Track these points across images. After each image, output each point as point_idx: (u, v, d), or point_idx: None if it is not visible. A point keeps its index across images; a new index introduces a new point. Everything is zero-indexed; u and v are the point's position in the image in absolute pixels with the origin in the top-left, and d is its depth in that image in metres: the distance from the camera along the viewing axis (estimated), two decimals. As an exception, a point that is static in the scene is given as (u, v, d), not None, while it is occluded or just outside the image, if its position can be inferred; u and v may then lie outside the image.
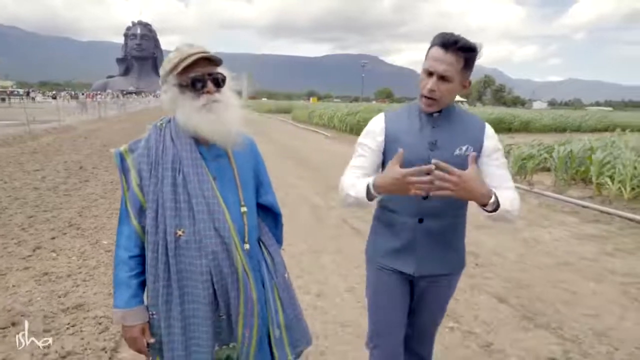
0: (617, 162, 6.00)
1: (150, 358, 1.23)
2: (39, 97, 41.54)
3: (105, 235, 4.05)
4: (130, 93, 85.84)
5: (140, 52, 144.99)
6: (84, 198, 5.41)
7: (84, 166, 7.60)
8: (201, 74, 1.12)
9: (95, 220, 4.50)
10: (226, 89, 1.18)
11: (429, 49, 1.28)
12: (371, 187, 1.24)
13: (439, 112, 1.34)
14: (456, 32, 1.25)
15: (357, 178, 1.34)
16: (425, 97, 1.28)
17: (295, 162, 9.03)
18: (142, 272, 1.19)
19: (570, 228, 4.79)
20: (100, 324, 2.49)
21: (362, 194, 1.26)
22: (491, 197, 1.19)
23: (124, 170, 1.19)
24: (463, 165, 1.22)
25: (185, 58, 1.10)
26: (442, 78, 1.24)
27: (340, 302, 2.90)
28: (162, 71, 1.17)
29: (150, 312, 1.20)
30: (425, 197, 1.29)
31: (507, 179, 1.34)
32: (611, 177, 5.96)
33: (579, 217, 5.24)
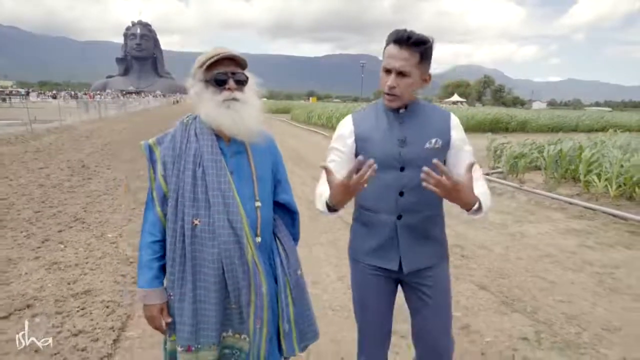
0: (604, 160, 6.19)
1: (167, 335, 1.32)
2: (32, 96, 41.56)
3: (110, 229, 4.24)
4: (130, 93, 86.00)
5: (140, 52, 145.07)
6: (88, 195, 5.60)
7: (87, 164, 7.78)
8: (224, 72, 1.21)
9: (100, 215, 4.69)
10: (248, 90, 1.26)
11: (385, 47, 1.31)
12: (330, 203, 1.26)
13: (405, 108, 1.36)
14: (410, 30, 1.27)
15: (326, 186, 1.31)
16: (387, 94, 1.32)
17: (293, 161, 9.22)
18: (164, 256, 1.28)
19: (555, 223, 4.98)
20: (107, 307, 2.68)
21: (324, 207, 1.29)
22: (475, 204, 1.21)
23: (151, 161, 1.28)
24: (434, 157, 1.23)
25: (212, 56, 1.20)
26: (400, 74, 1.27)
27: (331, 289, 3.10)
28: (192, 68, 1.26)
29: (168, 294, 1.29)
30: (401, 194, 1.34)
31: (475, 168, 1.29)
32: (598, 175, 6.15)
33: (565, 213, 5.43)
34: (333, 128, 18.96)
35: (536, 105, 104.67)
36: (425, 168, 1.14)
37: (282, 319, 1.32)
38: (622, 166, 5.84)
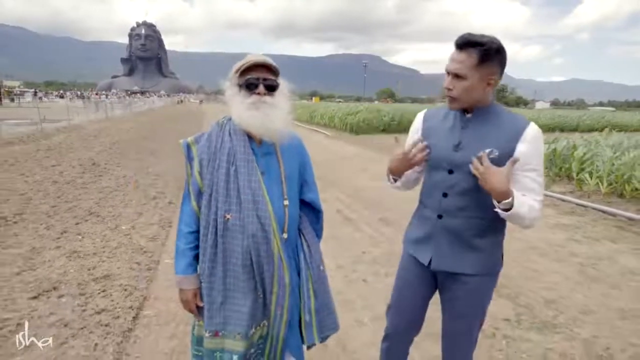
0: (596, 159, 6.40)
1: (196, 320, 1.43)
2: (27, 96, 41.92)
3: (123, 222, 4.51)
4: (135, 93, 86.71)
5: (145, 53, 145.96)
6: (100, 190, 5.88)
7: (97, 162, 8.08)
8: (255, 77, 1.29)
9: (113, 210, 4.96)
10: (278, 95, 1.33)
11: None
12: (389, 167, 1.46)
13: (470, 112, 1.35)
14: (471, 33, 1.27)
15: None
16: (447, 95, 1.35)
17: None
18: (198, 246, 1.37)
19: (546, 219, 5.20)
20: (125, 290, 2.94)
21: (388, 172, 1.48)
22: (508, 198, 1.21)
23: (189, 159, 1.37)
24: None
25: (246, 63, 1.29)
26: (456, 76, 1.29)
27: (330, 276, 3.34)
28: (230, 73, 1.36)
29: (201, 281, 1.38)
30: (445, 195, 1.38)
31: (530, 189, 1.27)
32: (590, 174, 6.36)
33: (557, 209, 5.65)
34: (335, 127, 19.20)
35: (539, 105, 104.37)
36: (473, 158, 1.25)
37: (304, 309, 1.40)
38: (613, 164, 6.04)
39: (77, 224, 4.37)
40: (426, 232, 1.45)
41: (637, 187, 5.57)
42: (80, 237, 3.99)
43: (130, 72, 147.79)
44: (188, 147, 1.38)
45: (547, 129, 19.39)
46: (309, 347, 1.47)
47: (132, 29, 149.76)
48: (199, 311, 1.39)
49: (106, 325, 2.49)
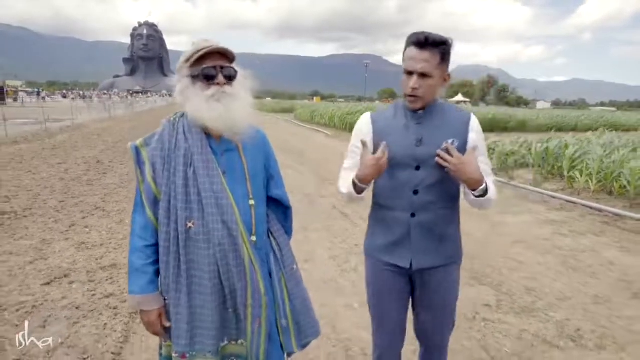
0: (587, 157, 6.57)
1: (163, 341, 1.30)
2: (29, 97, 42.06)
3: (127, 216, 4.71)
4: (138, 92, 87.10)
5: (147, 53, 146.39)
6: (105, 187, 6.09)
7: (101, 160, 8.30)
8: (213, 66, 1.16)
9: (117, 205, 5.17)
10: (237, 84, 1.21)
11: (405, 49, 1.32)
12: (355, 180, 1.33)
13: (423, 109, 1.37)
14: (430, 33, 1.29)
15: (349, 173, 1.41)
16: (410, 95, 1.33)
17: (295, 157, 9.66)
18: (157, 261, 1.24)
19: (536, 215, 5.38)
20: (131, 277, 3.14)
21: (351, 188, 1.35)
22: (482, 184, 1.28)
23: (139, 163, 1.23)
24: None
25: (199, 50, 1.15)
26: (422, 75, 1.28)
27: (323, 266, 3.54)
28: (178, 63, 1.21)
29: (164, 298, 1.25)
30: (416, 192, 1.36)
31: (487, 173, 1.37)
32: (581, 171, 6.53)
33: (547, 206, 5.83)
34: (335, 127, 19.38)
35: (540, 105, 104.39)
36: (438, 150, 1.29)
37: (279, 313, 1.30)
38: (602, 162, 6.22)
39: (83, 218, 4.58)
40: (400, 234, 1.41)
41: (624, 184, 5.74)
42: (87, 230, 4.20)
43: (132, 72, 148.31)
44: (137, 150, 1.24)
45: (545, 128, 19.51)
46: (289, 355, 1.37)
47: (134, 29, 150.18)
48: (166, 331, 1.27)
49: (114, 308, 2.68)
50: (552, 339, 2.49)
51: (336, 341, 2.45)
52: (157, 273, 1.25)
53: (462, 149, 1.35)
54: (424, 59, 1.27)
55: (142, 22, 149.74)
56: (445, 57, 1.30)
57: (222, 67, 1.18)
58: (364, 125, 1.46)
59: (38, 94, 45.37)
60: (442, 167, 1.32)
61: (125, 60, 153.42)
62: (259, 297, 1.22)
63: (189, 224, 1.17)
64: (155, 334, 1.28)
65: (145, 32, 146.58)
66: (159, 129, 1.26)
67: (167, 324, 1.25)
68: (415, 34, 1.30)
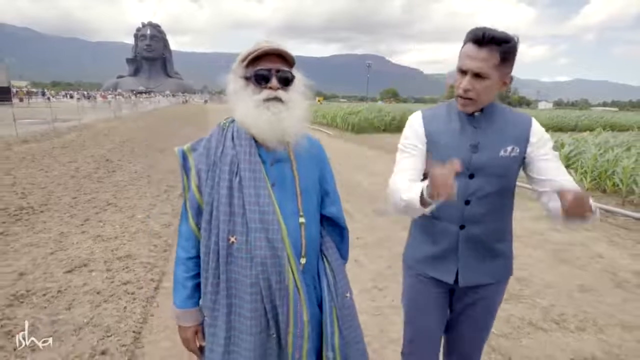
0: (582, 156, 6.76)
1: (203, 359, 1.21)
2: (31, 98, 42.27)
3: (138, 211, 4.94)
4: (141, 93, 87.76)
5: (150, 53, 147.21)
6: (115, 184, 6.32)
7: (110, 159, 8.54)
8: (267, 69, 1.07)
9: (128, 201, 5.40)
10: (293, 90, 1.12)
11: (463, 46, 1.20)
12: (424, 190, 1.09)
13: (480, 111, 1.26)
14: (491, 28, 1.15)
15: (411, 180, 1.24)
16: (461, 97, 1.22)
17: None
18: (199, 274, 1.17)
19: (531, 211, 5.56)
20: (146, 267, 3.37)
21: (416, 198, 1.12)
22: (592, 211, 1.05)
23: (185, 170, 1.16)
24: (509, 166, 1.21)
25: (256, 50, 1.07)
26: (477, 75, 1.16)
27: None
28: (234, 63, 1.13)
29: (204, 315, 1.17)
30: (467, 202, 1.25)
31: (563, 171, 1.23)
32: (576, 170, 6.72)
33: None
34: (337, 126, 19.59)
35: (542, 105, 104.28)
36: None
37: (326, 345, 1.17)
38: (597, 161, 6.40)
39: (97, 213, 4.81)
40: (446, 247, 1.30)
41: (617, 182, 5.92)
42: (101, 224, 4.43)
43: (136, 72, 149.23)
44: (184, 155, 1.17)
45: (545, 128, 19.68)
46: None
47: (138, 30, 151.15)
48: (201, 350, 1.21)
49: (132, 294, 2.91)
50: (537, 321, 2.70)
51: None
52: (199, 287, 1.19)
53: (522, 154, 1.26)
54: (481, 58, 1.14)
55: (146, 22, 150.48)
56: (507, 57, 1.16)
57: (277, 70, 1.09)
58: (415, 125, 1.33)
59: (43, 94, 45.82)
60: (498, 176, 1.23)
61: (129, 61, 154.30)
62: (302, 328, 1.10)
63: (232, 239, 1.08)
64: (191, 350, 1.22)
65: (148, 32, 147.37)
66: (208, 134, 1.19)
67: (203, 343, 1.18)
68: (475, 29, 1.17)
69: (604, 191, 6.37)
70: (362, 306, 2.86)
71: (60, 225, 4.32)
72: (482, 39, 1.13)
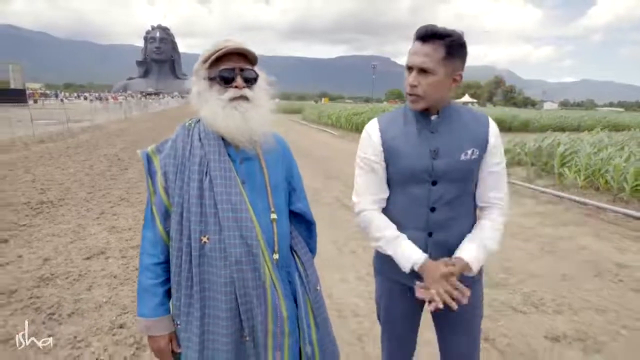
0: (576, 155, 6.92)
1: None
2: (45, 100, 43.11)
3: (150, 206, 5.25)
4: (151, 94, 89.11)
5: (159, 55, 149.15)
6: (127, 181, 6.65)
7: (121, 158, 8.91)
8: (231, 68, 1.08)
9: (140, 196, 5.71)
10: (258, 89, 1.13)
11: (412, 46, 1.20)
12: (415, 268, 1.19)
13: (437, 114, 1.24)
14: (434, 25, 1.17)
15: (378, 203, 1.29)
16: (409, 94, 1.21)
17: (302, 156, 10.15)
18: (169, 280, 1.14)
19: (524, 208, 5.76)
20: (157, 254, 3.65)
21: (402, 259, 1.22)
22: (472, 269, 1.21)
23: (150, 173, 1.14)
24: (470, 170, 1.21)
25: (217, 50, 1.07)
26: (422, 71, 1.16)
27: (323, 248, 3.99)
28: (195, 64, 1.12)
29: (175, 322, 1.14)
30: (433, 210, 1.24)
31: (500, 186, 1.27)
32: (570, 168, 6.88)
33: (536, 200, 6.19)
34: (342, 127, 19.84)
35: (547, 105, 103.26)
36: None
37: (304, 340, 1.18)
38: (590, 159, 6.56)
39: (111, 207, 5.13)
40: None
41: (608, 180, 6.08)
42: (115, 217, 4.74)
43: (145, 74, 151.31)
44: (149, 158, 1.16)
45: (548, 128, 19.75)
46: None
47: (148, 32, 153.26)
48: (176, 359, 1.17)
49: (145, 277, 3.19)
50: (517, 305, 2.92)
51: (330, 305, 2.91)
52: (169, 293, 1.15)
53: (482, 156, 1.25)
54: (424, 53, 1.15)
55: (155, 25, 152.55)
56: (452, 51, 1.15)
57: (241, 69, 1.10)
58: (373, 135, 1.29)
59: (56, 95, 46.92)
60: (461, 180, 1.23)
61: (139, 63, 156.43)
62: (281, 324, 1.11)
63: (204, 239, 1.07)
64: None
65: (158, 35, 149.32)
66: (173, 135, 1.17)
67: (179, 350, 1.15)
68: (420, 26, 1.18)
69: (597, 189, 6.52)
70: (357, 291, 3.11)
71: (77, 218, 4.65)
72: (425, 34, 1.16)
